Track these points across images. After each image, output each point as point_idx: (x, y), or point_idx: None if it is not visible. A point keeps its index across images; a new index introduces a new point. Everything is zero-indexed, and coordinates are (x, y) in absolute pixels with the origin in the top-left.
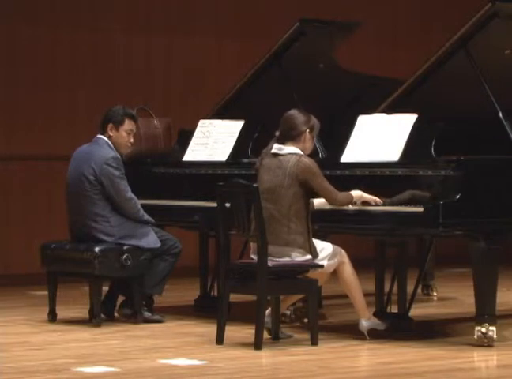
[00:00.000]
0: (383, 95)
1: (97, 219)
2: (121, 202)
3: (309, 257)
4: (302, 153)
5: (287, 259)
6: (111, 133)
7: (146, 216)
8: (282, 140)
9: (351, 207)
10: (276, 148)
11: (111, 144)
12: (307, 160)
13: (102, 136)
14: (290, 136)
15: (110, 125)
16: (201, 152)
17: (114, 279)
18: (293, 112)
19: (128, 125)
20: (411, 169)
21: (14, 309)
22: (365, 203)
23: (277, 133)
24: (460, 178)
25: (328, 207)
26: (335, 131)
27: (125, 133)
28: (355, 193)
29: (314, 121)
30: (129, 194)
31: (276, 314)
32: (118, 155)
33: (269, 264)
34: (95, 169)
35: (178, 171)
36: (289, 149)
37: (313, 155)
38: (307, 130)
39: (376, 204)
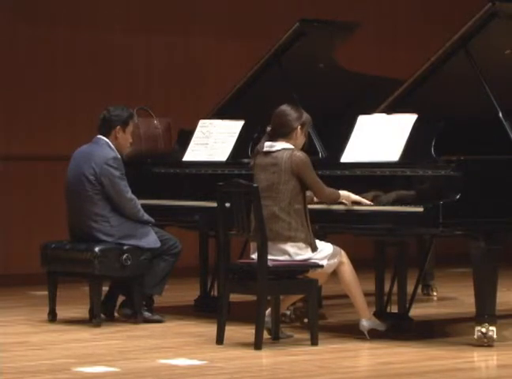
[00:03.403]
0: (383, 95)
1: (97, 219)
2: (121, 202)
3: (309, 253)
4: (293, 147)
5: (286, 257)
6: (118, 135)
7: (146, 216)
8: (273, 137)
9: (340, 207)
10: (267, 145)
11: (111, 144)
12: (300, 154)
13: (102, 137)
14: (282, 132)
15: (117, 128)
16: (201, 152)
17: (114, 279)
18: (285, 108)
19: (132, 126)
20: (411, 169)
21: (14, 309)
22: (355, 203)
23: (269, 129)
24: (460, 178)
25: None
26: (335, 131)
27: (129, 134)
28: (343, 193)
29: (306, 116)
30: (130, 194)
31: (276, 314)
32: (119, 156)
33: (269, 264)
34: (95, 169)
35: (178, 171)
36: (280, 145)
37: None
38: (299, 127)
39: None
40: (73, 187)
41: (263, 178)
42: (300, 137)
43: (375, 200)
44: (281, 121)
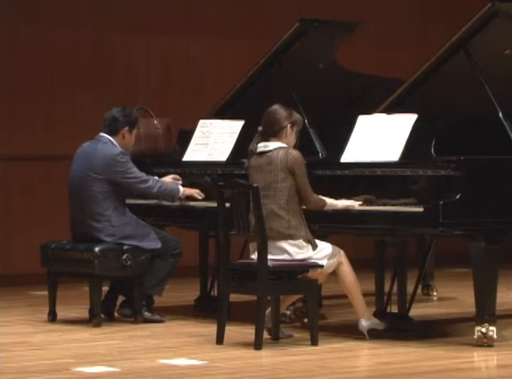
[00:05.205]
0: (383, 95)
1: (99, 219)
2: (141, 189)
3: (309, 252)
4: (287, 146)
5: (286, 256)
6: (125, 136)
7: (170, 188)
8: (265, 136)
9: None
10: (261, 146)
11: (114, 142)
12: (295, 153)
13: (105, 135)
14: (273, 131)
15: (126, 129)
16: (201, 152)
17: (114, 279)
18: (275, 107)
19: (136, 129)
20: (411, 169)
21: (14, 309)
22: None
23: (260, 128)
24: (460, 178)
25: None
26: (335, 131)
27: (134, 136)
28: (330, 201)
29: (297, 116)
30: (144, 177)
31: (276, 314)
32: (122, 150)
33: (269, 264)
34: (103, 167)
35: (178, 171)
36: (274, 144)
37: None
38: (289, 125)
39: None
40: (77, 186)
41: (259, 178)
42: (291, 136)
43: (367, 203)
44: (271, 119)
